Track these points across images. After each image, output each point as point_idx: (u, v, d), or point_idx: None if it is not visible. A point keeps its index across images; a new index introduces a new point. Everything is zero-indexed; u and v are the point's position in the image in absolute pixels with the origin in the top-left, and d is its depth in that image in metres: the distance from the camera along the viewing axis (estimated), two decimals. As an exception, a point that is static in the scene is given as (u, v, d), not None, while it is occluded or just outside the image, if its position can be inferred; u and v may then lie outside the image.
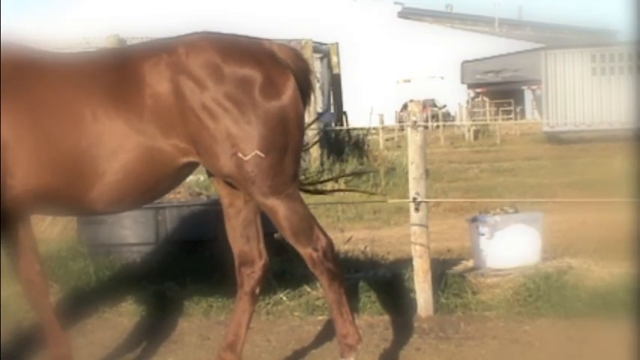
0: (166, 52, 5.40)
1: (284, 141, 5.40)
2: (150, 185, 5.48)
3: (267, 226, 5.79)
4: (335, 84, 22.40)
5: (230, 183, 5.59)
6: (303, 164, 6.45)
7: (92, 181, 5.37)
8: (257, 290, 5.84)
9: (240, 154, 5.32)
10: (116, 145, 5.34)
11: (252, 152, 5.32)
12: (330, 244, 5.57)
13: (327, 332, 6.79)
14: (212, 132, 5.31)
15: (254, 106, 5.33)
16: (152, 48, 5.53)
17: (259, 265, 5.80)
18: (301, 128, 5.53)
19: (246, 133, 5.31)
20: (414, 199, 7.40)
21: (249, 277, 5.80)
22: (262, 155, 5.33)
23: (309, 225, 5.51)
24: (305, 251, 5.53)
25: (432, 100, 59.82)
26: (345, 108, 22.92)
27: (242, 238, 5.79)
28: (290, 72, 5.46)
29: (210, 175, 5.76)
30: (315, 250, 5.51)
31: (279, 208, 5.43)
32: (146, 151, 5.35)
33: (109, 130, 5.34)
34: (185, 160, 5.44)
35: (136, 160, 5.36)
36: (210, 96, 5.31)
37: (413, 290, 7.48)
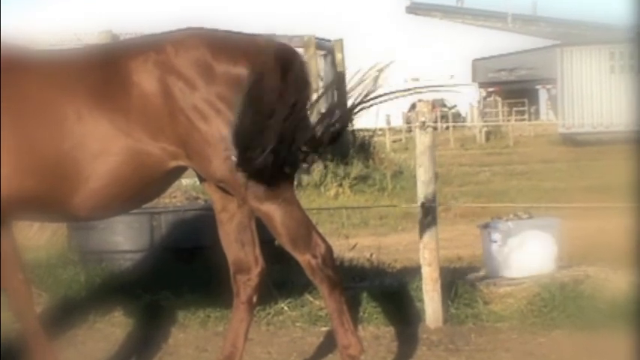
0: (154, 49, 5.34)
1: None
2: (136, 190, 5.42)
3: (267, 233, 5.64)
4: (339, 83, 22.19)
5: (223, 187, 5.47)
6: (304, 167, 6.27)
7: (76, 185, 5.32)
8: (254, 298, 5.78)
9: (233, 158, 5.16)
10: (101, 147, 5.29)
11: None
12: (329, 250, 5.45)
13: (331, 344, 6.66)
14: (204, 134, 5.22)
15: None
16: (139, 45, 5.47)
17: (255, 272, 5.72)
18: None
19: None
20: (423, 204, 7.31)
21: (246, 284, 5.72)
22: None
23: (307, 231, 5.40)
24: (303, 258, 5.42)
25: (442, 99, 59.53)
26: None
27: (236, 244, 5.70)
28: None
29: (201, 179, 5.64)
30: (314, 256, 5.40)
31: (275, 214, 5.32)
32: (133, 154, 5.28)
33: (93, 131, 5.27)
34: (174, 163, 5.38)
35: (123, 164, 5.29)
36: (201, 96, 5.23)
37: (421, 300, 7.41)
